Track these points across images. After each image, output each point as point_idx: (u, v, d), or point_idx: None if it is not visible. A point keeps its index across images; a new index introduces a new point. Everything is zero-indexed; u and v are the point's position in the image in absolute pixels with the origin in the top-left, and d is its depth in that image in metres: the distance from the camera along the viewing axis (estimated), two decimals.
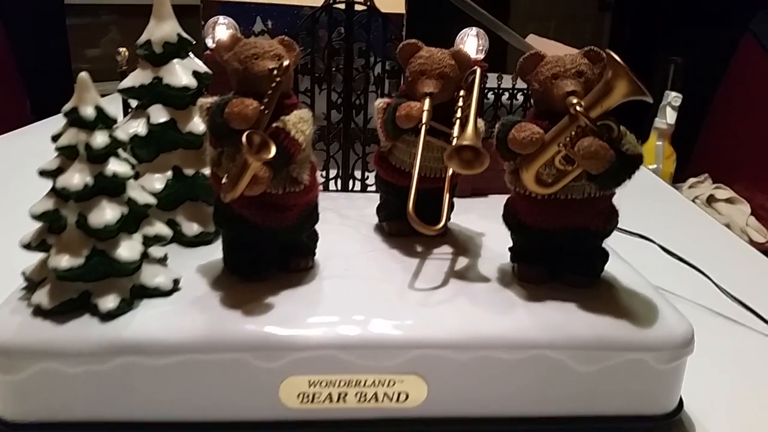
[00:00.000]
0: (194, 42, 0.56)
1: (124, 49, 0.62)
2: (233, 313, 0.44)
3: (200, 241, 0.55)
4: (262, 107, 0.44)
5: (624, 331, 0.45)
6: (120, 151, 0.45)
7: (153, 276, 0.46)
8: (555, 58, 0.46)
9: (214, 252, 0.52)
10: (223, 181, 0.44)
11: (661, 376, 0.45)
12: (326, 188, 0.72)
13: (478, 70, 0.54)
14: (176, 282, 0.47)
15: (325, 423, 0.45)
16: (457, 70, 0.54)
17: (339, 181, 0.72)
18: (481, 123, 0.53)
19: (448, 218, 0.57)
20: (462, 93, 0.53)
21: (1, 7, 2.10)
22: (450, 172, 0.52)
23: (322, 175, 0.70)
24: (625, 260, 0.55)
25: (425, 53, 0.54)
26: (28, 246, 0.45)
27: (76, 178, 0.43)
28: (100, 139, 0.43)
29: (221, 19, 0.66)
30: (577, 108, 0.43)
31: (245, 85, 0.46)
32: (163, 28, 0.54)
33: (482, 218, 0.62)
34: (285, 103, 0.47)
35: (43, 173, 0.44)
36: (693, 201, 1.84)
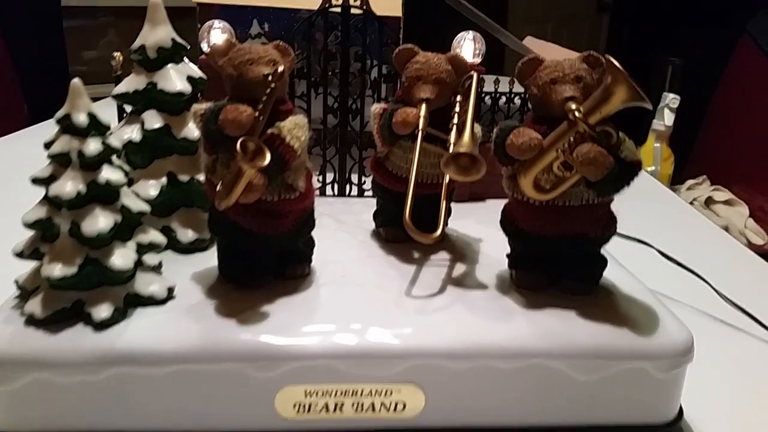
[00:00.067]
0: (188, 47, 0.55)
1: (118, 53, 0.61)
2: (228, 322, 0.44)
3: (195, 247, 0.55)
4: (257, 114, 0.43)
5: (623, 340, 0.44)
6: (113, 158, 0.44)
7: (147, 284, 0.46)
8: (554, 62, 0.46)
9: (210, 259, 0.52)
10: (218, 188, 0.44)
11: (661, 384, 0.45)
12: (323, 193, 0.71)
13: (475, 75, 0.53)
14: (171, 290, 0.47)
15: None
16: (453, 76, 0.53)
17: (336, 186, 0.72)
18: (477, 129, 0.53)
19: (446, 224, 0.56)
20: (459, 98, 0.53)
21: None
22: (447, 179, 0.52)
23: (318, 180, 0.70)
24: (623, 266, 0.55)
25: (421, 58, 0.53)
26: (20, 254, 0.45)
27: (69, 185, 0.42)
28: (93, 146, 0.42)
29: (216, 23, 0.65)
30: (576, 114, 0.42)
31: (240, 90, 0.46)
32: (158, 33, 0.53)
33: (480, 223, 0.62)
34: (280, 109, 0.46)
35: (36, 181, 0.43)
36: (691, 203, 1.84)
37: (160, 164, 0.55)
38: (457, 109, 0.52)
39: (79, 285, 0.43)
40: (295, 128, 0.45)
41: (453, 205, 0.59)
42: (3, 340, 0.42)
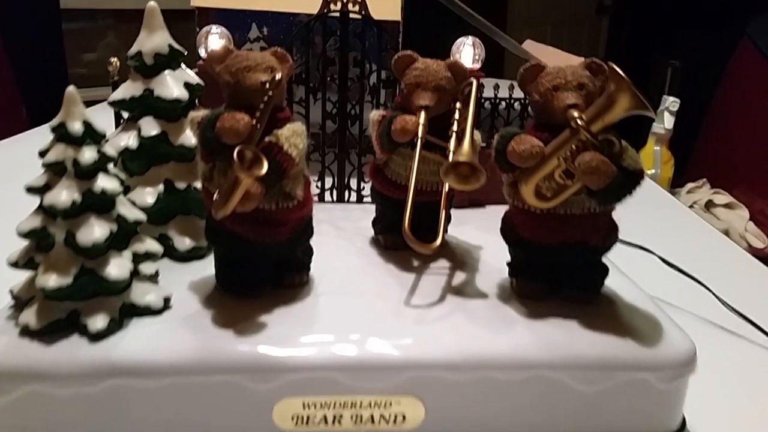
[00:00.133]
0: (186, 53, 0.55)
1: (115, 59, 0.61)
2: (225, 333, 0.43)
3: (192, 256, 0.54)
4: (254, 122, 0.43)
5: (626, 350, 0.44)
6: (109, 166, 0.44)
7: (143, 294, 0.45)
8: (556, 69, 0.45)
9: (207, 267, 0.51)
10: (215, 197, 0.43)
11: (663, 395, 0.44)
12: (321, 199, 0.71)
13: (474, 83, 0.53)
14: (167, 300, 0.46)
15: None
16: (453, 82, 0.53)
17: (334, 192, 0.71)
18: (477, 136, 0.52)
19: (445, 231, 0.56)
20: (458, 105, 0.52)
21: None
22: (446, 187, 0.51)
23: (317, 186, 0.70)
24: (625, 274, 0.54)
25: (421, 65, 0.53)
26: (15, 264, 0.44)
27: (64, 195, 0.42)
28: (88, 154, 0.42)
29: (214, 28, 0.65)
30: (578, 122, 0.42)
31: (237, 98, 0.45)
32: (154, 39, 0.53)
33: (480, 230, 0.61)
34: (278, 117, 0.46)
35: (30, 190, 0.43)
36: (691, 206, 1.83)
37: (157, 171, 0.54)
38: (457, 116, 0.51)
39: (74, 295, 0.43)
40: (293, 136, 0.45)
41: (453, 211, 0.58)
42: None
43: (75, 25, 2.48)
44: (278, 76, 0.44)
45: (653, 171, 1.80)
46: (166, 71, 0.53)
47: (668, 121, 1.79)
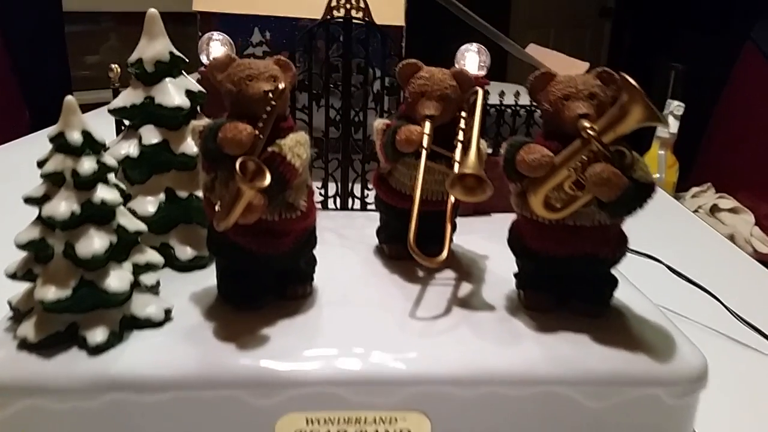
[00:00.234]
0: (187, 60, 0.54)
1: (116, 65, 0.60)
2: (227, 347, 0.43)
3: (194, 265, 0.54)
4: (257, 132, 0.42)
5: (636, 365, 0.43)
6: (109, 176, 0.43)
7: (144, 306, 0.44)
8: (567, 78, 0.44)
9: (209, 277, 0.50)
10: (216, 208, 0.43)
11: (674, 411, 0.44)
12: (325, 206, 0.70)
13: (480, 92, 0.52)
14: (168, 312, 0.45)
15: None
16: (458, 91, 0.52)
17: (338, 200, 0.70)
18: (484, 145, 0.51)
19: (451, 240, 0.55)
20: (464, 114, 0.52)
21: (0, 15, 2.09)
22: (452, 198, 0.50)
23: (320, 193, 0.69)
24: (634, 285, 0.53)
25: (425, 73, 0.52)
26: (13, 276, 0.44)
27: (63, 206, 0.41)
28: (87, 165, 0.41)
29: (216, 35, 0.64)
30: (590, 132, 0.41)
31: (239, 107, 0.44)
32: (155, 47, 0.52)
33: (486, 239, 0.61)
34: (281, 126, 0.45)
35: (29, 201, 0.42)
36: (696, 211, 1.82)
37: (158, 180, 0.54)
38: (462, 125, 0.50)
39: (73, 308, 0.42)
40: (296, 146, 0.44)
41: (458, 219, 0.57)
42: None
43: (77, 27, 2.48)
44: (281, 85, 0.43)
45: (658, 175, 1.79)
46: (167, 79, 0.52)
47: (673, 125, 1.78)
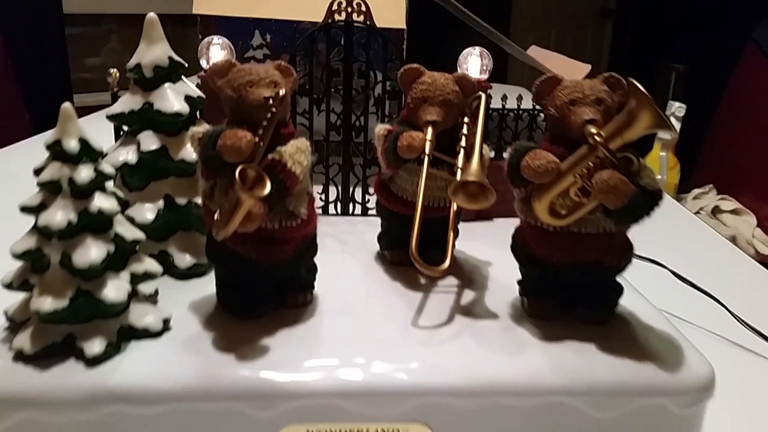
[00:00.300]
0: (186, 65, 0.53)
1: (114, 70, 0.59)
2: (226, 357, 0.42)
3: (193, 273, 0.53)
4: (257, 139, 0.41)
5: (642, 375, 0.42)
6: (107, 184, 0.42)
7: (142, 316, 0.44)
8: (573, 82, 0.44)
9: (208, 285, 0.50)
10: (216, 216, 0.42)
11: (681, 421, 0.43)
12: (325, 212, 0.69)
13: (483, 97, 0.51)
14: (166, 322, 0.45)
15: None
16: (460, 96, 0.51)
17: (338, 205, 0.70)
18: (486, 151, 0.50)
19: (453, 246, 0.54)
20: (466, 119, 0.51)
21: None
22: (455, 206, 0.50)
23: (321, 198, 0.68)
24: (638, 291, 0.53)
25: (428, 78, 0.51)
26: (9, 286, 0.43)
27: (59, 215, 0.40)
28: (84, 173, 0.40)
29: (216, 39, 0.63)
30: (597, 138, 0.40)
31: (239, 113, 0.44)
32: (154, 52, 0.51)
33: (488, 245, 0.60)
34: (281, 132, 0.44)
35: (25, 209, 0.41)
36: (698, 212, 1.81)
37: (156, 187, 0.53)
38: (465, 131, 0.50)
39: (70, 318, 0.41)
40: (296, 153, 0.43)
41: (460, 224, 0.56)
42: None
43: (78, 29, 2.48)
44: (282, 91, 0.42)
45: (659, 177, 1.78)
46: (166, 84, 0.52)
47: (674, 127, 1.77)
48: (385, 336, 0.45)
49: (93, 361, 0.41)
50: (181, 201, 0.53)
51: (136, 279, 0.44)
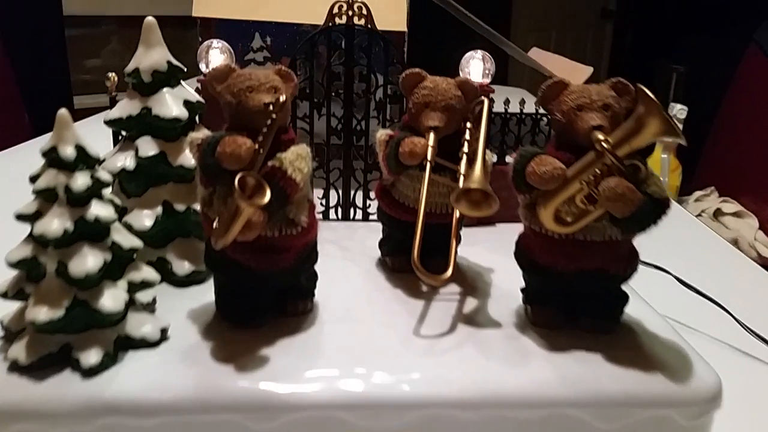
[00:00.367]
0: (185, 69, 0.53)
1: (113, 74, 0.58)
2: (225, 368, 0.41)
3: (191, 280, 0.52)
4: (257, 146, 0.40)
5: (649, 386, 0.41)
6: (104, 191, 0.42)
7: (139, 325, 0.43)
8: (580, 87, 0.43)
9: (206, 292, 0.49)
10: (215, 225, 0.41)
11: None
12: (326, 217, 0.68)
13: (486, 102, 0.50)
14: (164, 331, 0.44)
15: None
16: (463, 101, 0.50)
17: (339, 210, 0.69)
18: (489, 156, 0.50)
19: (456, 253, 0.54)
20: (469, 125, 0.50)
21: None
22: (457, 213, 0.49)
23: (321, 204, 0.67)
24: (643, 299, 0.52)
25: (430, 83, 0.50)
26: (4, 295, 0.42)
27: (56, 223, 0.39)
28: (81, 180, 0.40)
29: (215, 42, 0.62)
30: (604, 144, 0.40)
31: (239, 119, 0.43)
32: (152, 56, 0.51)
33: (491, 251, 0.59)
34: (281, 138, 0.44)
35: (20, 217, 0.41)
36: (699, 215, 1.81)
37: (155, 193, 0.52)
38: (467, 136, 0.49)
39: (66, 328, 0.40)
40: (297, 159, 0.43)
41: (462, 230, 0.56)
42: None
43: (78, 31, 2.47)
44: (282, 97, 0.42)
45: (661, 179, 1.78)
46: (165, 89, 0.51)
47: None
48: (387, 345, 0.45)
49: (89, 372, 0.40)
50: (180, 207, 0.52)
51: (133, 288, 0.43)
